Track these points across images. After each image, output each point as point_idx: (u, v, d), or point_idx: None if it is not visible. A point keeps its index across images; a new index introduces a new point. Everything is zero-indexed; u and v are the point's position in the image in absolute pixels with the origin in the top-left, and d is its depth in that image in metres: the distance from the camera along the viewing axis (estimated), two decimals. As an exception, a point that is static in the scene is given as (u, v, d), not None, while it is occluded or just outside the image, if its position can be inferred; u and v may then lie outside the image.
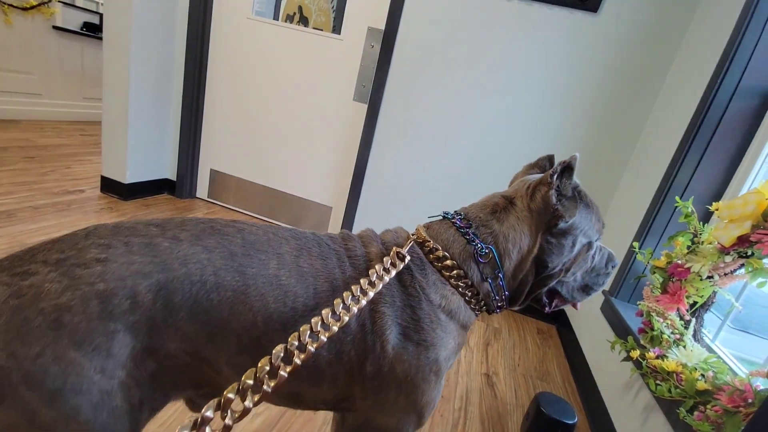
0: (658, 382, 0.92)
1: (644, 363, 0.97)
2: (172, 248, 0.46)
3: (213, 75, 2.21)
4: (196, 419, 0.33)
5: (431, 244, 0.59)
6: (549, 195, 0.58)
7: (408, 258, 0.56)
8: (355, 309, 0.48)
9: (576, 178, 0.60)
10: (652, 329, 1.03)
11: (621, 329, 1.25)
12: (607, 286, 1.50)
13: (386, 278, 0.53)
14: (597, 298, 1.57)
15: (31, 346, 0.37)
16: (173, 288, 0.44)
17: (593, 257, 0.66)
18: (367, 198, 2.08)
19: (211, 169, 2.38)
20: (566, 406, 0.75)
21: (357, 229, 2.12)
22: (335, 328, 0.46)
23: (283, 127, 2.18)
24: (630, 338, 1.06)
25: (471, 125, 1.86)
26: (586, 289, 0.67)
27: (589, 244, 0.63)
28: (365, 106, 2.00)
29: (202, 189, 2.43)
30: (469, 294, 0.59)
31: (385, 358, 0.54)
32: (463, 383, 1.38)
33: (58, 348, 0.38)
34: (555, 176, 0.58)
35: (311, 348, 0.43)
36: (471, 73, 1.81)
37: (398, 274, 0.57)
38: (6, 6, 2.77)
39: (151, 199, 2.27)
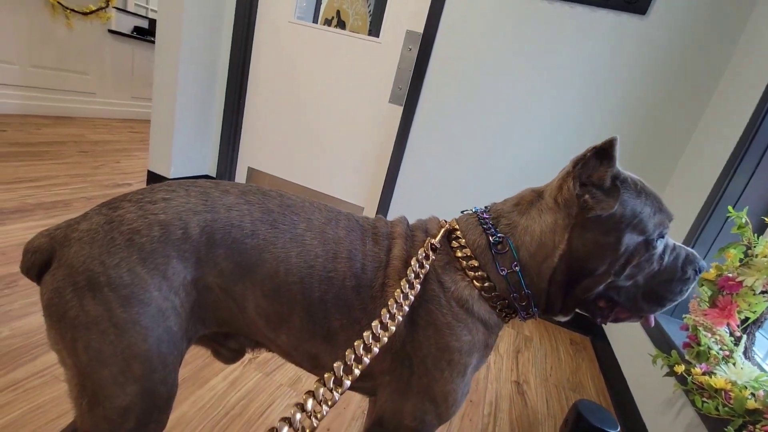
0: (704, 399, 0.88)
1: (689, 379, 0.93)
2: (221, 197, 0.55)
3: (254, 77, 2.29)
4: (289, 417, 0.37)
5: (458, 233, 0.60)
6: (572, 185, 0.52)
7: (438, 247, 0.57)
8: (400, 317, 0.49)
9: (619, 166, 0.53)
10: (699, 344, 0.99)
11: (663, 343, 1.20)
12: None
13: (422, 274, 0.54)
14: (636, 310, 1.51)
15: (113, 257, 0.48)
16: (216, 227, 0.53)
17: (661, 258, 0.55)
18: (399, 200, 2.09)
19: (248, 167, 2.46)
20: (608, 415, 0.73)
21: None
22: (385, 339, 0.47)
23: (319, 127, 2.23)
24: (674, 353, 1.01)
25: (510, 130, 1.84)
26: (657, 299, 0.56)
27: (648, 242, 0.53)
28: (401, 109, 2.02)
29: (239, 186, 2.51)
30: (486, 286, 0.55)
31: (396, 336, 0.56)
32: (492, 389, 1.35)
33: (130, 261, 0.48)
34: (579, 164, 0.52)
35: (366, 359, 0.45)
36: (510, 77, 1.79)
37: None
38: (68, 11, 2.98)
39: (192, 194, 2.37)
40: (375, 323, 0.48)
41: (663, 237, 0.55)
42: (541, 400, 1.37)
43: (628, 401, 1.33)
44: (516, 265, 0.55)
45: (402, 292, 0.51)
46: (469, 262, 0.56)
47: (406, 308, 0.50)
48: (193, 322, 0.56)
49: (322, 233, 0.58)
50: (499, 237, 0.56)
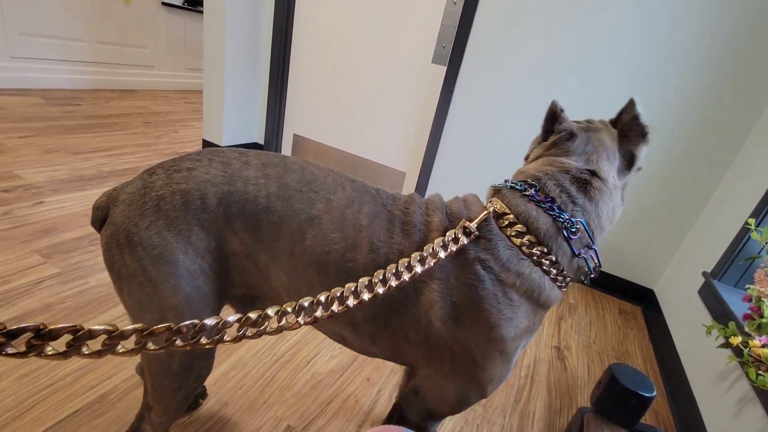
0: (760, 372, 0.83)
1: (746, 351, 0.88)
2: (240, 169, 0.55)
3: (297, 44, 2.29)
4: (260, 315, 0.38)
5: (510, 217, 0.53)
6: (635, 168, 0.59)
7: (476, 233, 0.52)
8: (393, 283, 0.46)
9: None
10: (761, 316, 0.92)
11: (721, 314, 1.12)
12: (708, 268, 1.35)
13: (442, 254, 0.49)
14: (695, 282, 1.42)
15: (144, 220, 0.52)
16: (232, 200, 0.53)
17: None
18: (441, 165, 2.07)
19: (294, 134, 2.52)
20: (644, 378, 0.71)
21: (431, 192, 2.13)
22: (364, 296, 0.44)
23: (361, 92, 2.22)
24: (731, 324, 0.95)
25: (557, 92, 1.71)
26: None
27: None
28: (444, 69, 1.94)
29: (286, 153, 2.60)
30: (555, 272, 0.53)
31: (433, 332, 0.54)
32: (531, 353, 1.36)
33: (158, 225, 0.52)
34: (637, 154, 0.59)
35: (334, 309, 0.42)
36: (560, 36, 1.64)
37: (461, 249, 0.52)
38: (125, -14, 3.12)
39: (243, 161, 2.50)
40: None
41: None
42: (582, 366, 1.35)
43: (677, 372, 1.28)
44: (593, 245, 0.55)
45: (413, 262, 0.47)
46: (534, 249, 0.52)
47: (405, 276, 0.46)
48: (224, 283, 0.58)
49: (341, 217, 0.54)
50: (574, 221, 0.53)
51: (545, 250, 0.52)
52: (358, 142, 2.33)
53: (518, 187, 0.55)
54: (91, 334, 0.30)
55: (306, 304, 0.41)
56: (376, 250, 0.54)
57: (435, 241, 0.50)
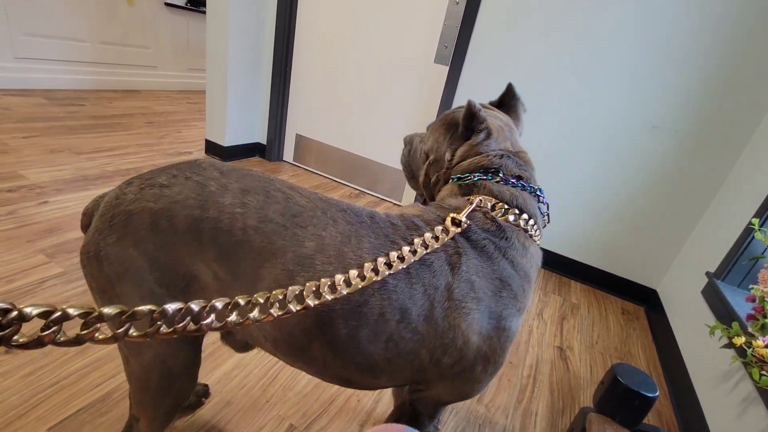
0: (763, 372, 0.82)
1: (749, 351, 0.87)
2: (216, 194, 0.50)
3: (299, 45, 2.30)
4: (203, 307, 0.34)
5: (502, 205, 0.57)
6: None
7: (467, 222, 0.53)
8: (387, 272, 0.46)
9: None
10: (765, 316, 0.92)
11: (725, 314, 1.12)
12: (712, 268, 1.35)
13: (436, 245, 0.50)
14: (698, 282, 1.41)
15: (112, 234, 0.49)
16: (202, 227, 0.49)
17: None
18: (443, 164, 2.06)
19: (296, 134, 2.53)
20: (647, 378, 0.71)
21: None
22: (343, 292, 0.42)
23: (363, 92, 2.22)
24: (735, 324, 0.95)
25: (558, 92, 1.71)
26: None
27: None
28: (446, 69, 1.94)
29: (289, 153, 2.61)
30: (539, 237, 0.61)
31: (470, 348, 0.52)
32: (533, 353, 1.36)
33: (126, 242, 0.49)
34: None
35: (276, 313, 0.38)
36: (561, 36, 1.64)
37: (481, 249, 0.53)
38: (128, -13, 3.14)
39: (245, 161, 2.50)
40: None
41: None
42: (585, 366, 1.35)
43: (680, 372, 1.28)
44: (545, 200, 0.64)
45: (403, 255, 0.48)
46: (529, 224, 0.58)
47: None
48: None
49: (338, 256, 0.48)
50: (541, 189, 0.63)
51: (534, 222, 0.59)
52: (360, 142, 2.34)
53: (487, 177, 0.60)
54: (66, 316, 0.28)
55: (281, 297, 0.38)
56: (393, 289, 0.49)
57: (426, 235, 0.51)
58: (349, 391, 1.05)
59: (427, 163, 0.71)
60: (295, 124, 2.51)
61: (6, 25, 2.54)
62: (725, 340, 0.98)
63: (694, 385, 1.18)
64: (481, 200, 0.57)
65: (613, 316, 1.71)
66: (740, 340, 0.89)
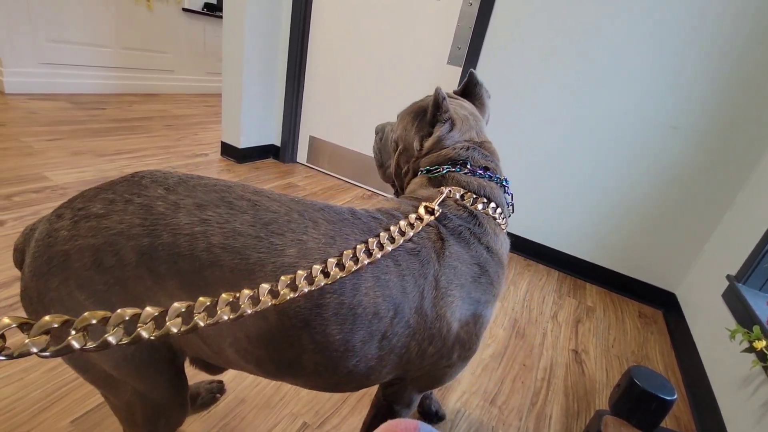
0: (787, 378, 0.80)
1: (772, 356, 0.85)
2: (166, 214, 0.43)
3: (313, 48, 2.33)
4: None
5: (471, 195, 0.60)
6: None
7: (439, 211, 0.55)
8: (366, 261, 0.46)
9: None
10: (788, 320, 0.89)
11: (746, 318, 1.09)
12: (733, 271, 1.32)
13: (410, 233, 0.51)
14: (719, 285, 1.38)
15: (53, 278, 0.43)
16: (156, 255, 0.42)
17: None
18: (456, 165, 2.06)
19: (310, 136, 2.56)
20: (664, 381, 0.70)
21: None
22: (319, 284, 0.41)
23: (376, 94, 2.24)
24: (756, 328, 0.92)
25: (577, 93, 1.69)
26: None
27: None
28: (459, 70, 1.94)
29: (302, 154, 2.64)
30: (505, 224, 0.64)
31: (451, 335, 0.53)
32: (547, 356, 1.35)
33: (69, 285, 0.43)
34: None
35: (248, 309, 0.37)
36: (580, 35, 1.62)
37: (459, 235, 0.55)
38: (148, -6, 3.23)
39: (260, 162, 2.54)
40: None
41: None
42: (600, 369, 1.33)
43: (699, 377, 1.25)
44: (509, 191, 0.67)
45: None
46: (497, 212, 0.61)
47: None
48: (164, 348, 0.50)
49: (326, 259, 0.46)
50: (506, 179, 0.66)
51: (501, 211, 0.61)
52: (371, 143, 2.34)
53: (456, 169, 0.62)
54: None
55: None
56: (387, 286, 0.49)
57: (401, 223, 0.51)
58: (362, 390, 1.05)
59: (397, 152, 0.72)
60: (309, 126, 2.54)
61: (32, 32, 2.64)
62: (746, 344, 0.95)
63: (714, 390, 1.15)
64: (450, 190, 0.60)
65: (630, 320, 1.68)
66: (761, 344, 0.87)
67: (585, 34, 1.62)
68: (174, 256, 0.42)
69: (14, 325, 0.27)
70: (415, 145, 0.67)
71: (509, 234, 0.66)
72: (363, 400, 1.03)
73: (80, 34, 2.91)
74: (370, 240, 0.48)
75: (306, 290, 0.40)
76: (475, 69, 1.84)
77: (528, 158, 1.87)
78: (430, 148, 0.66)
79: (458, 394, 1.11)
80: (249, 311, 0.36)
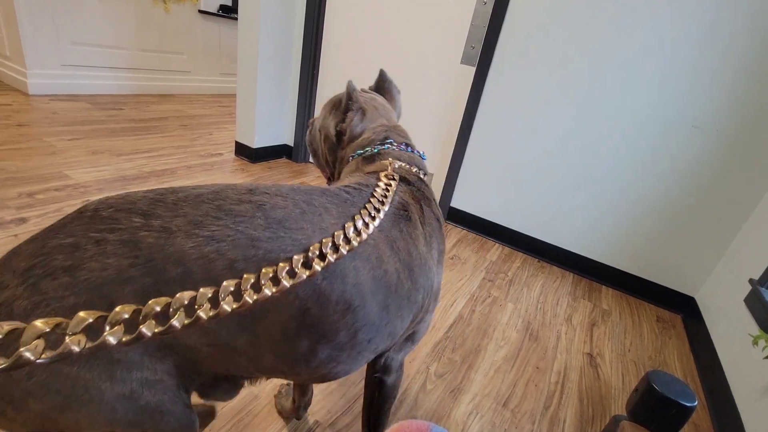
0: (815, 386, 0.77)
1: (798, 364, 0.82)
2: (160, 246, 0.37)
3: (326, 49, 2.34)
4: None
5: (405, 165, 0.67)
6: None
7: (397, 176, 0.62)
8: (371, 228, 0.50)
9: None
10: (816, 327, 0.86)
11: (770, 324, 1.06)
12: (756, 275, 1.28)
13: (390, 196, 0.56)
14: (741, 289, 1.34)
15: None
16: (167, 293, 0.35)
17: None
18: (469, 166, 2.05)
19: (322, 136, 2.57)
20: (684, 387, 0.68)
21: (458, 196, 2.11)
22: (343, 252, 0.44)
23: (389, 93, 2.23)
24: (781, 334, 0.89)
25: (594, 92, 1.66)
26: None
27: None
28: (473, 70, 1.93)
29: (315, 154, 2.65)
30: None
31: (435, 285, 0.61)
32: (561, 359, 1.33)
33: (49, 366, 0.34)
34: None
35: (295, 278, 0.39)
36: (593, 39, 1.60)
37: (423, 194, 0.64)
38: (165, -4, 3.28)
39: (273, 162, 2.56)
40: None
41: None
42: (616, 374, 1.31)
43: (720, 384, 1.21)
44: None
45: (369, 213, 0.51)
46: (426, 179, 0.69)
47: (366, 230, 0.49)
48: (184, 379, 0.44)
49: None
50: (422, 152, 0.75)
51: (426, 177, 0.69)
52: (385, 143, 2.34)
53: (387, 147, 0.70)
54: None
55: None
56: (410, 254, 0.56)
57: (380, 184, 0.58)
58: (374, 390, 1.05)
59: (322, 139, 0.81)
60: (322, 126, 2.54)
61: (54, 35, 2.71)
62: (771, 351, 0.92)
63: (735, 397, 1.11)
64: (391, 160, 0.66)
65: (647, 324, 1.64)
66: (788, 352, 0.84)
67: (606, 33, 1.59)
68: (191, 285, 0.36)
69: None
70: (331, 130, 0.76)
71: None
72: (375, 399, 1.03)
73: (100, 36, 2.98)
74: (367, 206, 0.52)
75: (332, 259, 0.42)
76: (489, 67, 1.84)
77: (543, 157, 1.85)
78: (350, 137, 0.74)
79: (470, 396, 1.10)
80: (287, 284, 0.38)
